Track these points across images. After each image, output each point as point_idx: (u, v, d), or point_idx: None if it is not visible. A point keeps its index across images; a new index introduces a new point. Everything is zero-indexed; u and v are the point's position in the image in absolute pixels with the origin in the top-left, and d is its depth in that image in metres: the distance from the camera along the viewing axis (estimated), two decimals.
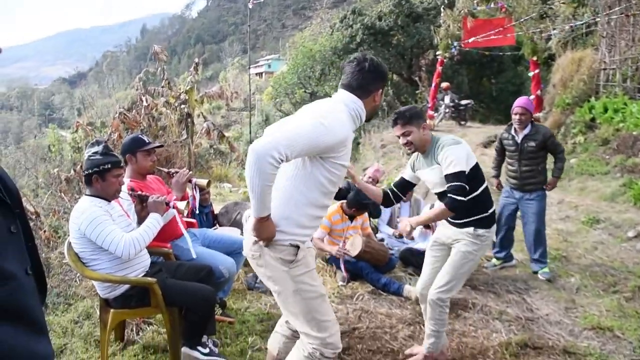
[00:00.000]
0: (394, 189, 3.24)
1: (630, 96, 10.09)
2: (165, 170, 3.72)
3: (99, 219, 2.76)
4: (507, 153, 5.04)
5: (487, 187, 3.05)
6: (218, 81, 49.85)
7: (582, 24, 11.87)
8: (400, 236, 5.36)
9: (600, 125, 9.73)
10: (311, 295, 2.25)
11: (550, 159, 5.00)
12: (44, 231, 5.30)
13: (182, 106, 12.07)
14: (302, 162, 2.19)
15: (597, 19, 11.41)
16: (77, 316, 3.72)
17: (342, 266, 4.66)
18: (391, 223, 5.61)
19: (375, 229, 5.60)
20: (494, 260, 5.19)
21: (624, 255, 5.41)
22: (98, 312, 3.31)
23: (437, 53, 15.42)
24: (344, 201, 4.87)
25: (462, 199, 2.75)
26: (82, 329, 3.54)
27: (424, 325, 3.85)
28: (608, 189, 7.61)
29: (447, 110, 14.89)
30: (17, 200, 1.23)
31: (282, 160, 1.96)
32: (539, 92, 12.35)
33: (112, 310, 2.95)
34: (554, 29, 12.45)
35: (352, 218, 4.93)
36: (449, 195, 2.76)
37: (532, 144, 4.77)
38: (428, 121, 8.30)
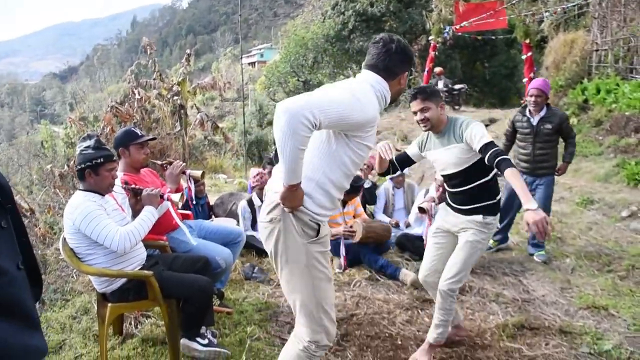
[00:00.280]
0: (394, 161, 3.23)
1: (622, 77, 10.12)
2: (159, 162, 3.71)
3: (93, 214, 2.76)
4: (519, 136, 4.94)
5: (496, 173, 3.04)
6: (211, 72, 49.64)
7: (574, 6, 11.81)
8: (397, 225, 5.39)
9: (593, 107, 9.77)
10: (320, 276, 2.18)
11: (560, 144, 4.93)
12: (39, 228, 5.30)
13: (175, 98, 12.04)
14: (326, 140, 2.13)
15: (589, 0, 11.38)
16: (75, 312, 3.72)
17: (342, 250, 4.66)
18: (386, 211, 5.63)
19: (372, 216, 5.62)
20: (490, 242, 5.19)
21: (618, 235, 5.45)
22: (96, 307, 3.31)
23: (430, 38, 15.36)
24: None
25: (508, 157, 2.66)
26: (81, 324, 3.54)
27: (421, 310, 3.90)
28: (601, 169, 7.65)
29: (440, 95, 14.84)
30: (8, 196, 1.22)
31: (315, 125, 1.87)
32: (532, 74, 12.33)
33: (109, 304, 2.95)
34: (546, 11, 12.40)
35: (344, 204, 4.93)
36: (499, 158, 2.60)
37: (549, 126, 4.68)
38: None
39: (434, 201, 4.69)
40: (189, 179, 3.62)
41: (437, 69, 15.22)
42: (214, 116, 21.01)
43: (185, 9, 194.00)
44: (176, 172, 3.47)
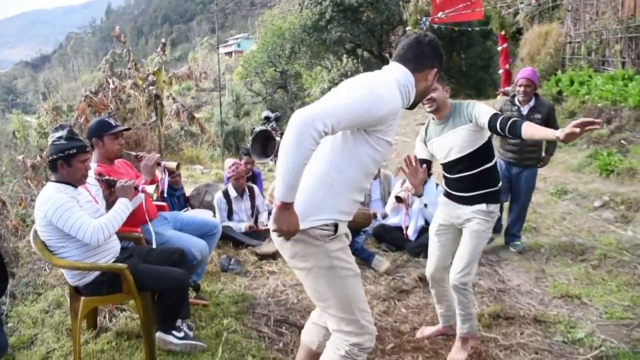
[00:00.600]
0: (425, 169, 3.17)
1: (595, 69, 10.29)
2: (134, 153, 3.65)
3: (65, 206, 2.69)
4: None
5: (497, 160, 3.06)
6: (187, 61, 49.06)
7: None
8: (375, 216, 5.39)
9: (567, 98, 9.91)
10: (347, 274, 2.06)
11: None
12: (11, 220, 5.18)
13: (151, 88, 11.86)
14: (342, 140, 2.02)
15: None
16: (47, 305, 3.65)
17: None
18: (363, 202, 5.61)
19: None
20: None
21: (591, 225, 5.56)
22: (69, 301, 3.25)
23: (407, 29, 15.40)
24: None
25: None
26: (53, 318, 3.47)
27: (398, 301, 3.92)
28: (575, 160, 7.78)
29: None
30: None
31: (325, 134, 1.79)
32: (507, 66, 12.48)
33: (82, 298, 2.89)
34: (521, 2, 12.53)
35: None
36: (512, 120, 2.66)
37: (538, 116, 4.64)
38: None
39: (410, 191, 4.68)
40: (164, 170, 3.57)
41: None
42: (191, 106, 20.82)
43: None
44: (151, 163, 3.42)
